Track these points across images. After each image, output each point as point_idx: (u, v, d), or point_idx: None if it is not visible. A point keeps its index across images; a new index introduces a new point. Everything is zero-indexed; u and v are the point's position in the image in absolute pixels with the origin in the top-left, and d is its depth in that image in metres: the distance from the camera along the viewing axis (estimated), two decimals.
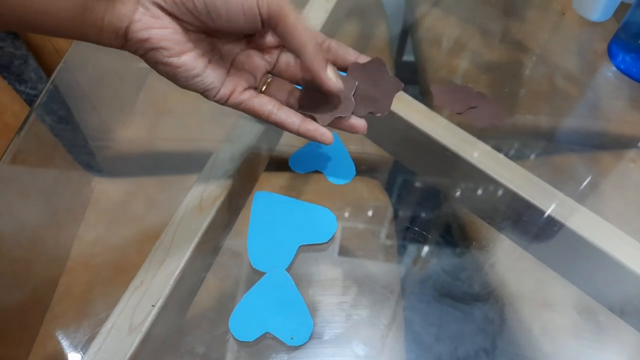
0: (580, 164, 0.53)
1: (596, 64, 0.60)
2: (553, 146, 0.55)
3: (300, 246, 0.40)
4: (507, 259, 0.46)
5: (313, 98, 0.36)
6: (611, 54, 0.58)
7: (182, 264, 0.37)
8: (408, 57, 0.69)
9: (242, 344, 0.35)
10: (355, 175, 0.44)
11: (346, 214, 0.44)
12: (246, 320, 0.35)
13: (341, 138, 0.47)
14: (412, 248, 0.46)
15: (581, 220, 0.41)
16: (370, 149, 0.54)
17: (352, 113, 0.36)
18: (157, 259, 0.38)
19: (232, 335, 0.35)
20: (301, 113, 0.36)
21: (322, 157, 0.45)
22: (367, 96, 0.37)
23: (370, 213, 0.48)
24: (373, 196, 0.52)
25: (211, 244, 0.41)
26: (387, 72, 0.37)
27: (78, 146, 0.63)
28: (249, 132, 0.45)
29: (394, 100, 0.41)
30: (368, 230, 0.47)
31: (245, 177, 0.43)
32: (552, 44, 0.64)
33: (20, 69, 1.01)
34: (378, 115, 0.37)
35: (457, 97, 0.49)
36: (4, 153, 0.48)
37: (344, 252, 0.43)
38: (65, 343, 0.41)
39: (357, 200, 0.49)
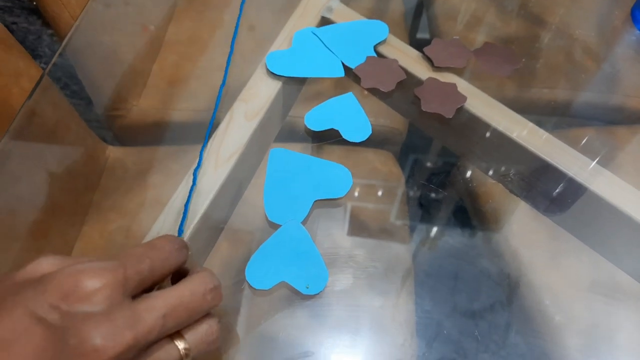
0: (597, 139, 0.52)
1: (619, 30, 0.59)
2: (570, 120, 0.54)
3: (315, 201, 0.39)
4: (522, 228, 0.45)
5: None
6: (635, 18, 0.57)
7: (199, 216, 0.37)
8: (423, 32, 0.69)
9: (258, 292, 0.35)
10: (370, 137, 0.44)
11: (359, 185, 0.44)
12: (262, 269, 0.35)
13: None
14: (424, 212, 0.45)
15: (604, 183, 0.41)
16: (384, 121, 0.54)
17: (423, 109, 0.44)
18: (173, 212, 0.38)
19: (249, 284, 0.35)
20: None
21: (338, 114, 0.44)
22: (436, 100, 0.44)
23: (382, 182, 0.48)
24: (386, 167, 0.52)
25: (228, 196, 0.41)
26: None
27: (92, 115, 0.63)
28: (263, 92, 0.45)
29: (413, 63, 0.47)
30: (381, 197, 0.47)
31: (260, 135, 0.43)
32: (572, 13, 0.63)
33: (34, 44, 1.02)
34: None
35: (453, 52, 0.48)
36: (16, 115, 0.48)
37: (358, 209, 0.42)
38: None
39: (370, 170, 0.49)
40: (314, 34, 0.48)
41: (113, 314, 0.22)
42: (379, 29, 0.49)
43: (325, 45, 0.48)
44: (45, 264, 0.23)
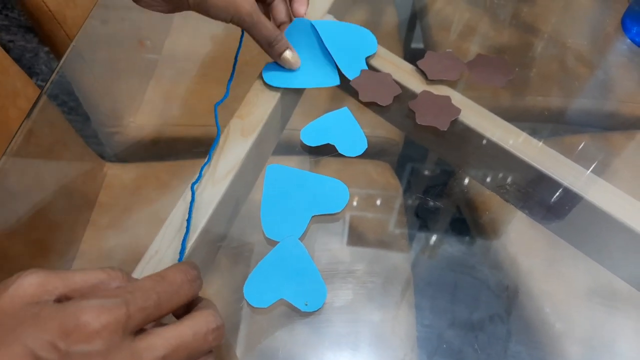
0: (592, 145, 0.52)
1: (610, 38, 0.60)
2: (565, 127, 0.55)
3: (312, 216, 0.40)
4: (520, 237, 0.45)
5: None
6: (625, 27, 0.58)
7: (197, 234, 0.37)
8: (417, 43, 0.69)
9: (257, 310, 0.35)
10: (366, 149, 0.44)
11: (356, 196, 0.45)
12: (261, 287, 0.35)
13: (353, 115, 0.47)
14: (422, 223, 0.46)
15: (599, 192, 0.41)
16: (381, 132, 0.54)
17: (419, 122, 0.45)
18: (172, 228, 0.38)
19: (247, 302, 0.35)
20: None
21: (334, 130, 0.45)
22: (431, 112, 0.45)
23: (380, 193, 0.48)
24: (383, 178, 0.52)
25: (225, 214, 0.41)
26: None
27: (90, 132, 0.63)
28: (259, 109, 0.45)
29: (406, 76, 0.47)
30: (379, 208, 0.47)
31: (257, 151, 0.44)
32: (564, 22, 0.63)
33: (31, 61, 1.03)
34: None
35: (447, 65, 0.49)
36: (15, 134, 0.49)
37: (356, 222, 0.43)
38: None
39: (367, 182, 0.49)
40: (313, 26, 0.48)
41: (112, 353, 0.22)
42: (368, 40, 0.49)
43: (324, 44, 0.48)
44: (28, 287, 0.23)
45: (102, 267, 0.25)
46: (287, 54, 0.45)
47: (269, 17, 0.48)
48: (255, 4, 0.42)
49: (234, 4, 0.40)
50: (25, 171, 0.50)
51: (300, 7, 0.47)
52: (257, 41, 0.44)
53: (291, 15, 0.48)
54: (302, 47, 0.47)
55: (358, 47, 0.49)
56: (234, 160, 0.41)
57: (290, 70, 0.46)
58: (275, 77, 0.46)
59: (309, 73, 0.47)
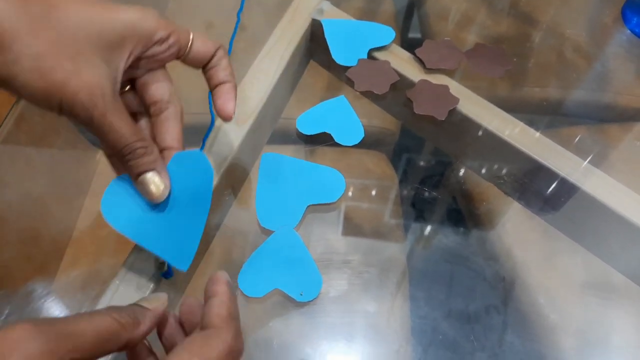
0: (589, 137, 0.52)
1: (610, 29, 0.59)
2: (562, 119, 0.54)
3: (308, 206, 0.39)
4: (516, 228, 0.45)
5: None
6: (625, 18, 0.57)
7: None
8: (414, 32, 0.68)
9: (252, 299, 0.35)
10: (363, 137, 0.44)
11: (352, 186, 0.44)
12: (255, 276, 0.35)
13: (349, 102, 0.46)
14: (418, 214, 0.45)
15: (595, 183, 0.41)
16: (377, 122, 0.53)
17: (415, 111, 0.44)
18: None
19: (241, 291, 0.35)
20: None
21: (330, 118, 0.44)
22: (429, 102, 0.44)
23: (376, 183, 0.48)
24: (379, 168, 0.52)
25: (219, 203, 0.40)
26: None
27: None
28: (254, 96, 0.45)
29: (404, 65, 0.46)
30: (374, 198, 0.46)
31: (252, 139, 0.43)
32: (563, 12, 0.63)
33: None
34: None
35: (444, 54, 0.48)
36: (4, 120, 0.48)
37: (351, 212, 0.42)
38: (72, 308, 0.41)
39: (363, 171, 0.49)
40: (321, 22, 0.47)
41: None
42: (385, 34, 0.48)
43: (325, 37, 0.47)
44: (25, 350, 0.20)
45: (112, 310, 0.24)
46: (149, 176, 0.29)
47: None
48: (108, 88, 0.27)
49: (60, 87, 0.25)
50: (15, 158, 0.49)
51: (226, 104, 0.32)
52: (105, 147, 0.29)
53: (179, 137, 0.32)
54: (180, 188, 0.31)
55: (368, 40, 0.48)
56: (228, 149, 0.41)
57: (151, 202, 0.30)
58: (120, 214, 0.30)
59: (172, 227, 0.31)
